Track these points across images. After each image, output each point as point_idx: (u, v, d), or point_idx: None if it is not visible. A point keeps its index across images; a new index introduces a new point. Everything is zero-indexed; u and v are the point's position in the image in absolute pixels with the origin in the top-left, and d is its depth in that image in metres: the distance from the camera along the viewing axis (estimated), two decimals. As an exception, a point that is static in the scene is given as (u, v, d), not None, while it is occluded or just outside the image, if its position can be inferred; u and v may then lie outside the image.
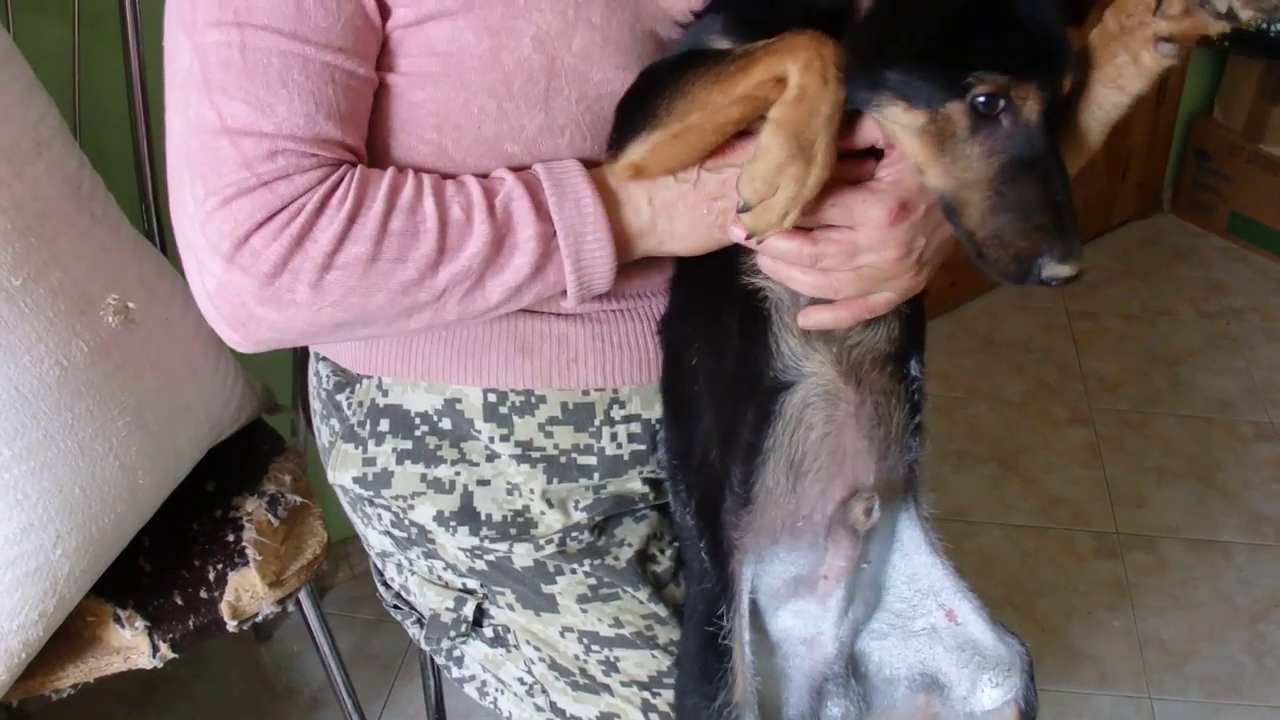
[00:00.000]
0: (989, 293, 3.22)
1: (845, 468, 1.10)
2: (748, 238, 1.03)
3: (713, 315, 1.14)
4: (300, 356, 1.75)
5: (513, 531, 1.24)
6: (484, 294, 1.08)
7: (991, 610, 1.24)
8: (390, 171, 1.06)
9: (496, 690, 1.37)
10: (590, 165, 1.10)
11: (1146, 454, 2.72)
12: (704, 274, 1.15)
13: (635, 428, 1.23)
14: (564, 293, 1.11)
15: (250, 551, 1.47)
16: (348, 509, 1.38)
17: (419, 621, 1.40)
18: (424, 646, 1.43)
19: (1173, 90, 3.41)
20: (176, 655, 1.44)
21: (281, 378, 1.74)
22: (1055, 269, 0.98)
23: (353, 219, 1.03)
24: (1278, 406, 2.87)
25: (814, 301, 1.08)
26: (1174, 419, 2.83)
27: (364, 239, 1.03)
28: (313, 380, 1.39)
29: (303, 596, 1.53)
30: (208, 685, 2.19)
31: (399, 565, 1.36)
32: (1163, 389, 2.92)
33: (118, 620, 1.42)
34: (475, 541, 1.25)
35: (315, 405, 1.39)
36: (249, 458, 1.59)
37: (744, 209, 1.00)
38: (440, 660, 1.42)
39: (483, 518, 1.24)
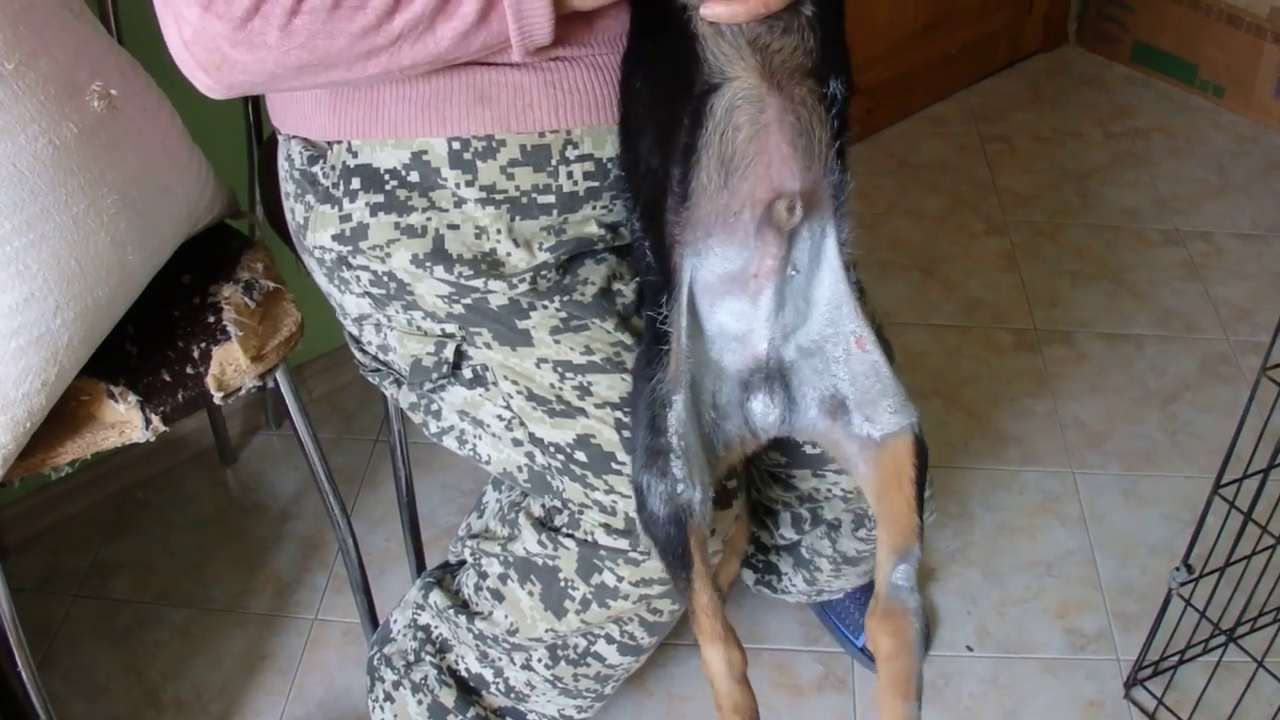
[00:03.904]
0: (906, 119, 3.33)
1: (771, 170, 1.22)
2: None
3: (653, 40, 1.27)
4: (261, 159, 1.83)
5: (484, 268, 1.34)
6: (434, 38, 1.19)
7: (919, 402, 1.37)
8: None
9: (475, 437, 1.48)
10: None
11: (1060, 259, 2.85)
12: (645, 9, 1.27)
13: (589, 166, 1.34)
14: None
15: (231, 329, 1.56)
16: (324, 281, 1.48)
17: (397, 381, 1.50)
18: (402, 405, 1.54)
19: (1074, -77, 3.52)
20: (167, 429, 1.51)
21: (238, 187, 1.81)
22: None
23: None
24: (1183, 215, 3.00)
25: None
26: (1085, 228, 2.95)
27: None
28: (283, 166, 1.48)
29: (280, 377, 1.62)
30: (179, 509, 2.28)
31: (377, 325, 1.46)
32: (1074, 202, 3.04)
33: (111, 396, 1.50)
34: (451, 279, 1.35)
35: (288, 189, 1.48)
36: (221, 252, 1.67)
37: None
38: (418, 418, 1.52)
39: (454, 257, 1.35)
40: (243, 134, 1.87)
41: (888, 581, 1.33)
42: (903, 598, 1.32)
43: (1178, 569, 1.72)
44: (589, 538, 1.42)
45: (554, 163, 1.34)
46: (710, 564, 1.35)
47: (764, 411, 1.34)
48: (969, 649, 2.03)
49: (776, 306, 1.29)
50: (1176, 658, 1.92)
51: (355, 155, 1.37)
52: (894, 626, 1.32)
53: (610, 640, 1.53)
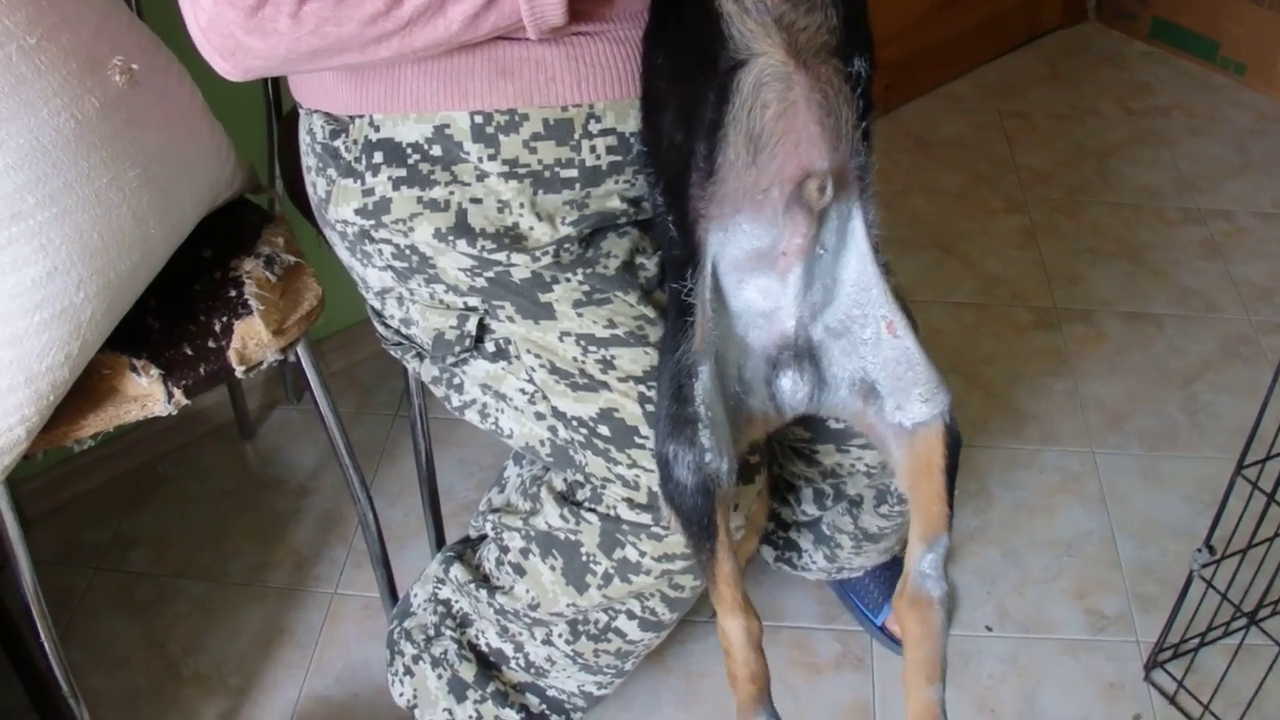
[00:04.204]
0: (923, 96, 3.32)
1: (800, 149, 1.22)
2: None
3: (674, 18, 1.27)
4: (281, 134, 1.83)
5: (507, 241, 1.34)
6: (445, 21, 1.20)
7: (940, 375, 1.36)
8: None
9: (497, 410, 1.48)
10: None
11: (1079, 237, 2.84)
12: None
13: (611, 140, 1.34)
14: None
15: (253, 303, 1.55)
16: (346, 255, 1.48)
17: (419, 355, 1.50)
18: (424, 379, 1.54)
19: (1095, -101, 3.50)
20: (189, 402, 1.51)
21: (258, 162, 1.81)
22: None
23: None
24: (1203, 194, 2.99)
25: None
26: (1105, 206, 2.94)
27: None
28: (305, 140, 1.49)
29: (300, 351, 1.62)
30: (198, 482, 2.28)
31: (399, 298, 1.46)
32: (1093, 179, 3.03)
33: (133, 369, 1.50)
34: (474, 253, 1.35)
35: (309, 163, 1.48)
36: (241, 227, 1.67)
37: None
38: (440, 392, 1.52)
39: (477, 231, 1.34)
40: (262, 109, 1.88)
41: (916, 569, 1.34)
42: (929, 586, 1.33)
43: (1199, 550, 1.72)
44: (611, 512, 1.42)
45: (576, 137, 1.33)
46: (734, 537, 1.35)
47: (793, 389, 1.34)
48: (988, 629, 2.03)
49: (805, 285, 1.29)
50: (1197, 640, 1.92)
51: (377, 129, 1.37)
52: (920, 614, 1.33)
53: (631, 616, 1.53)
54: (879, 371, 1.35)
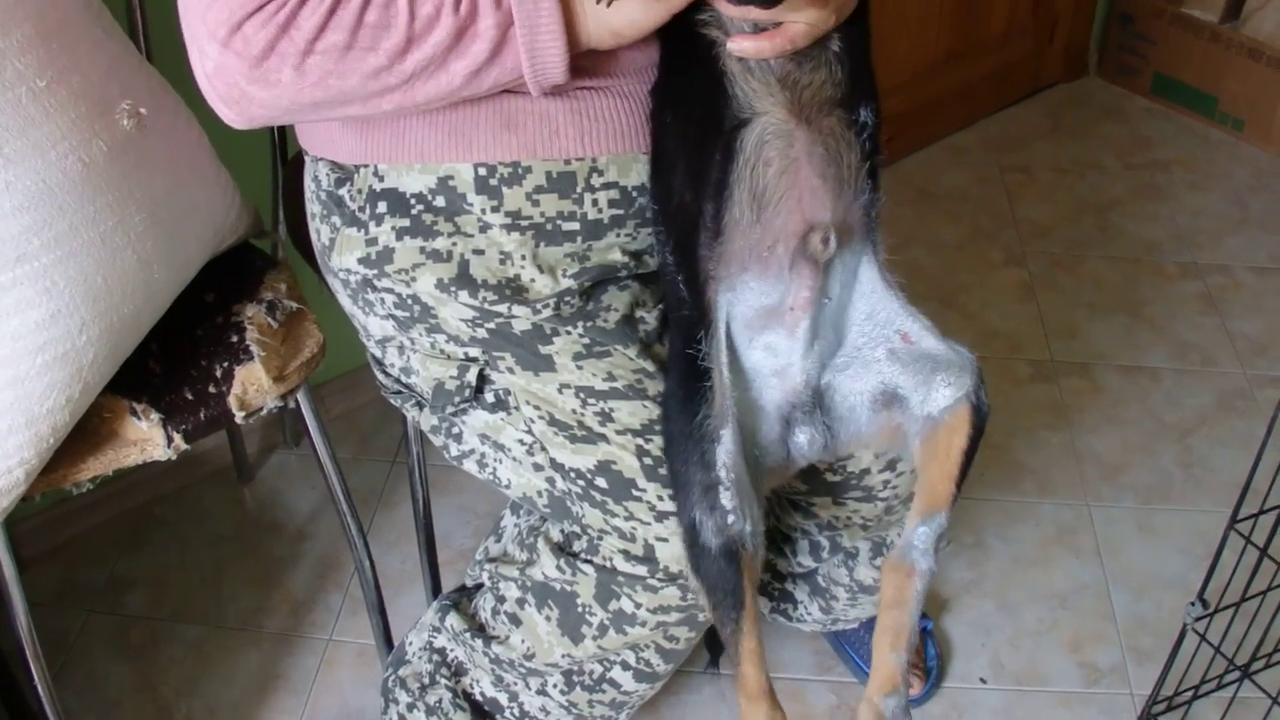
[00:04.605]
0: (926, 148, 3.34)
1: (804, 203, 1.23)
2: None
3: (681, 76, 1.28)
4: (285, 179, 1.84)
5: (508, 293, 1.35)
6: (448, 76, 1.22)
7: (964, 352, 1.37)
8: None
9: (495, 461, 1.48)
10: None
11: (1078, 291, 2.85)
12: (674, 44, 1.28)
13: (614, 194, 1.35)
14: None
15: (254, 349, 1.56)
16: (348, 303, 1.49)
17: (419, 403, 1.51)
18: (423, 428, 1.54)
19: (1096, -45, 3.53)
20: (188, 447, 1.52)
21: (262, 207, 1.82)
22: None
23: (332, 10, 1.17)
24: (1202, 248, 3.00)
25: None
26: (1104, 260, 2.95)
27: (341, 29, 1.17)
28: (310, 187, 1.50)
29: (301, 397, 1.62)
30: (195, 525, 2.29)
31: (400, 347, 1.47)
32: (1092, 233, 3.04)
33: (134, 413, 1.50)
34: (476, 304, 1.36)
35: (314, 210, 1.49)
36: (244, 272, 1.68)
37: None
38: (439, 441, 1.53)
39: (479, 282, 1.35)
40: (267, 154, 1.89)
41: (906, 539, 1.35)
42: (914, 557, 1.34)
43: (1193, 604, 1.72)
44: (607, 564, 1.43)
45: (579, 190, 1.35)
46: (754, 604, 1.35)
47: (810, 441, 1.35)
48: (982, 681, 2.03)
49: (812, 337, 1.30)
50: (1190, 693, 1.91)
51: (382, 179, 1.38)
52: (899, 580, 1.35)
53: (626, 667, 1.53)
54: (899, 377, 1.35)
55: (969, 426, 1.34)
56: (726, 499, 1.28)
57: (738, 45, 1.21)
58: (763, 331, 1.30)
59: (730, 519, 1.28)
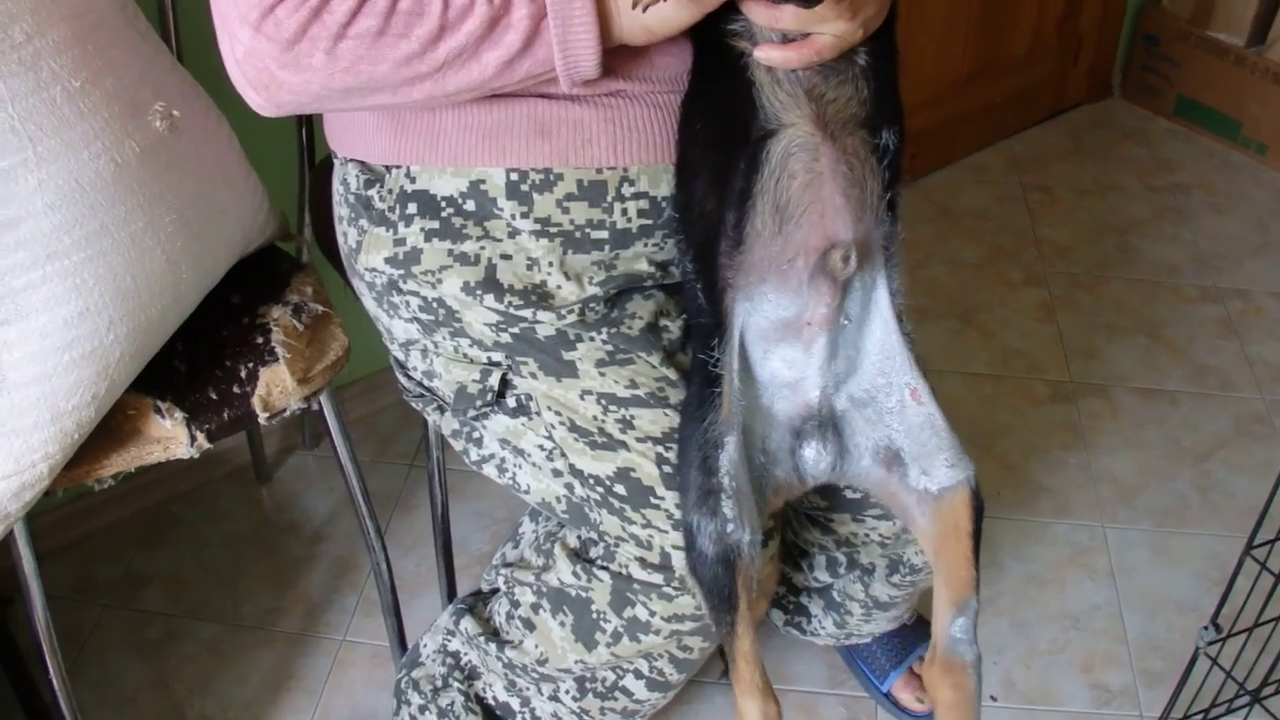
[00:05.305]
0: (947, 166, 3.34)
1: (825, 219, 1.24)
2: None
3: (712, 86, 1.29)
4: (313, 183, 1.85)
5: (534, 298, 1.36)
6: (479, 65, 1.22)
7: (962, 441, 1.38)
8: None
9: (515, 466, 1.49)
10: None
11: (1098, 312, 2.85)
12: (706, 55, 1.29)
13: (643, 204, 1.36)
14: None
15: (279, 350, 1.57)
16: (373, 305, 1.50)
17: (440, 407, 1.51)
18: (444, 431, 1.55)
19: (1122, -23, 3.53)
20: (211, 446, 1.53)
21: (289, 210, 1.83)
22: None
23: None
24: (1221, 272, 2.99)
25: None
26: (1124, 281, 2.95)
27: (374, 14, 1.18)
28: (338, 190, 1.50)
29: (324, 400, 1.63)
30: (213, 525, 2.29)
31: (424, 351, 1.48)
32: (1113, 255, 3.04)
33: (158, 411, 1.51)
34: (501, 308, 1.36)
35: (341, 212, 1.50)
36: (271, 274, 1.69)
37: None
38: (459, 445, 1.53)
39: (505, 286, 1.36)
40: (295, 157, 1.89)
41: (946, 634, 1.34)
42: (961, 650, 1.34)
43: (1206, 628, 1.72)
44: (623, 571, 1.43)
45: (609, 199, 1.35)
46: (755, 609, 1.36)
47: (816, 459, 1.35)
48: (993, 699, 2.03)
49: (829, 355, 1.31)
50: (1200, 716, 1.91)
51: (413, 181, 1.38)
52: (954, 680, 1.34)
53: (639, 675, 1.53)
54: (904, 439, 1.36)
55: (971, 510, 1.35)
56: (727, 507, 1.29)
57: (765, 54, 1.22)
58: (779, 344, 1.31)
59: (729, 527, 1.29)
